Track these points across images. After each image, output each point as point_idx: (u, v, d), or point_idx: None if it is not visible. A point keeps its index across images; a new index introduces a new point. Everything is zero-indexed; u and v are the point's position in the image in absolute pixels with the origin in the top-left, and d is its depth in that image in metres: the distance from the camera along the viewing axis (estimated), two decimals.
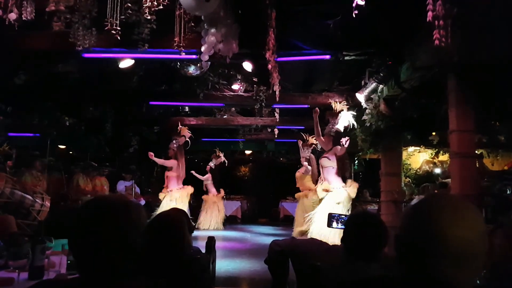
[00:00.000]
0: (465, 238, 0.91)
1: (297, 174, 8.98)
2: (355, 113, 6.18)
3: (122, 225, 1.13)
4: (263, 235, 9.60)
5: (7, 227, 3.94)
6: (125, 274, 1.11)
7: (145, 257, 1.67)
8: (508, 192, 6.10)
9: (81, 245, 1.13)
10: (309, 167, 8.64)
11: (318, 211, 6.30)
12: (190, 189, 8.53)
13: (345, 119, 6.31)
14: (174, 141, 8.27)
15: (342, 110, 6.38)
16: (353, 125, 6.17)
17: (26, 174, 6.61)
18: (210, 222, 10.63)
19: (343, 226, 2.59)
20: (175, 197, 8.13)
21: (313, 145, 8.74)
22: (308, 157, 8.77)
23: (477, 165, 4.88)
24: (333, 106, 6.46)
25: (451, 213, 0.94)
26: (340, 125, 6.36)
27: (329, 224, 2.70)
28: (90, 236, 1.11)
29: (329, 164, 6.48)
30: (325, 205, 6.22)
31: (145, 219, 1.25)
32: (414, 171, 10.62)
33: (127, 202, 1.21)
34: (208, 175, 11.45)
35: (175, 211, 2.53)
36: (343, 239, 1.93)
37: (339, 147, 6.28)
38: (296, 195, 8.97)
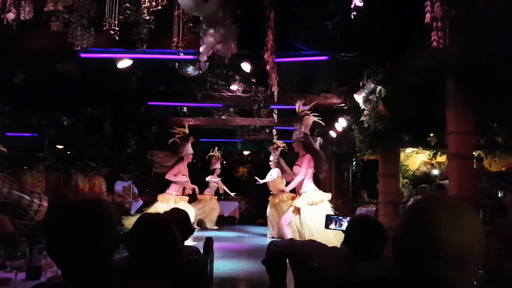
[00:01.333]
0: (462, 240, 0.91)
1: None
2: (317, 115, 6.25)
3: (95, 225, 1.16)
4: (261, 236, 9.60)
5: (2, 227, 3.91)
6: (108, 274, 1.14)
7: (140, 258, 1.67)
8: (499, 195, 6.13)
9: (56, 249, 1.17)
10: (276, 170, 8.94)
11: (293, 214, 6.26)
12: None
13: (310, 122, 6.34)
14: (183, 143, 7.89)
15: (306, 115, 6.37)
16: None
17: (27, 174, 6.59)
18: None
19: (340, 228, 2.60)
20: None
21: (280, 148, 9.05)
22: (277, 161, 8.88)
23: (475, 166, 4.88)
24: (296, 109, 6.43)
25: (448, 215, 0.94)
26: (306, 129, 6.38)
27: (327, 226, 2.71)
28: (62, 239, 1.15)
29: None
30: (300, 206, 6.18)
31: (116, 217, 1.26)
32: (412, 172, 10.64)
33: (96, 202, 1.23)
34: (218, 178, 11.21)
35: (174, 212, 2.52)
36: (345, 241, 2.03)
37: (306, 160, 6.33)
38: (270, 199, 9.08)
